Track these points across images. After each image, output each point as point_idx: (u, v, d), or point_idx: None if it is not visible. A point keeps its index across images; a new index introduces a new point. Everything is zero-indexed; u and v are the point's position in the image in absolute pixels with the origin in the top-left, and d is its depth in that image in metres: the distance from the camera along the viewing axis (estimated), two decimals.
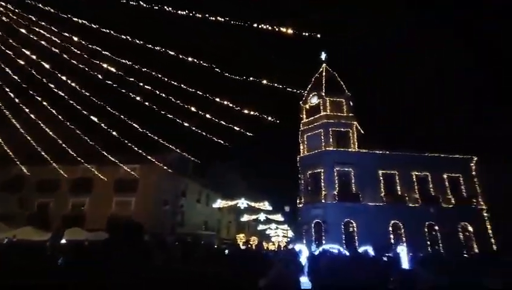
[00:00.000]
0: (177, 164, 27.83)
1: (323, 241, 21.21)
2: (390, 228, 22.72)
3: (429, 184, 24.38)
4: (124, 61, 14.68)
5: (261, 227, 36.37)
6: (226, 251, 13.76)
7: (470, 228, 23.16)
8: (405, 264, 10.10)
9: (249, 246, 24.52)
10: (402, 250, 11.94)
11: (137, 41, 13.67)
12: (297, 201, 25.74)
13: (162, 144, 18.48)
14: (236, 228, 39.04)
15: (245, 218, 30.28)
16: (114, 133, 18.71)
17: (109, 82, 15.55)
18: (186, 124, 17.08)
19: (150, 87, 15.69)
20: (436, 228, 22.85)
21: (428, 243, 22.35)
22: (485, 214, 23.53)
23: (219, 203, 26.68)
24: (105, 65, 14.81)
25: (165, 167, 23.80)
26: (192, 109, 16.32)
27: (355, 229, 22.56)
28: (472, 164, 25.12)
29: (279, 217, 31.20)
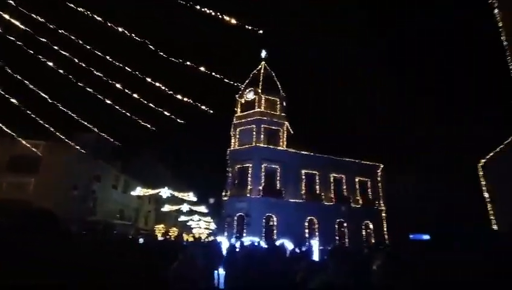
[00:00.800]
0: (94, 145, 24.91)
1: (244, 234, 21.61)
2: (306, 224, 24.42)
3: (343, 186, 27.00)
4: (35, 16, 12.29)
5: (183, 218, 35.30)
6: (141, 241, 12.81)
7: (371, 226, 26.48)
8: (316, 256, 10.87)
9: (168, 237, 23.47)
10: (315, 243, 12.80)
11: None
12: (223, 194, 25.68)
13: (77, 121, 16.21)
14: (156, 218, 37.15)
15: (166, 208, 28.96)
16: (13, 100, 15.64)
17: (12, 38, 12.87)
18: (108, 102, 15.28)
19: (67, 54, 13.51)
20: (345, 224, 25.44)
21: (337, 237, 24.71)
22: (383, 214, 27.21)
23: (139, 191, 24.85)
24: (7, 16, 12.14)
25: (77, 147, 21.00)
26: (118, 85, 14.67)
27: (275, 223, 23.58)
28: (378, 171, 28.71)
29: (203, 208, 30.72)
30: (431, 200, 29.19)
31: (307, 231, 24.08)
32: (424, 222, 27.14)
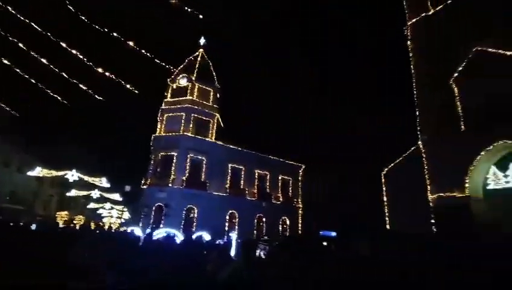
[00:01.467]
0: None
1: (162, 225, 20.48)
2: (227, 217, 24.51)
3: (267, 182, 27.95)
4: None
5: (92, 205, 31.74)
6: (33, 227, 10.91)
7: (288, 221, 28.09)
8: (233, 248, 10.85)
9: (72, 225, 20.76)
10: (234, 236, 12.80)
11: None
12: (143, 182, 23.91)
13: None
14: (60, 204, 32.54)
15: (73, 193, 25.58)
16: None
17: None
18: (6, 62, 12.61)
19: None
20: (264, 219, 26.39)
21: (255, 231, 25.46)
22: (300, 211, 29.17)
23: (38, 171, 21.33)
24: None
25: None
26: (21, 45, 12.20)
27: (195, 215, 22.99)
28: (300, 171, 30.62)
29: (116, 196, 28.15)
30: (343, 200, 32.44)
31: (227, 224, 24.17)
32: (334, 220, 30.00)
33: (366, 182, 24.17)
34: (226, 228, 23.59)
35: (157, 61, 11.84)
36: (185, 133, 24.49)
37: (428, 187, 15.87)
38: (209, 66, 29.62)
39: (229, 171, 25.90)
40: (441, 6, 17.81)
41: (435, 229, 15.15)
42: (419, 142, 17.21)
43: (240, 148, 26.84)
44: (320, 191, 32.96)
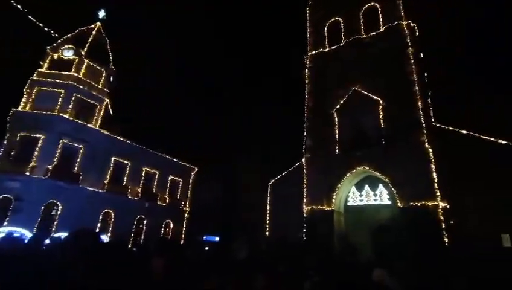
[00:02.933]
0: None
1: (6, 223, 16.18)
2: (101, 216, 21.44)
3: (154, 182, 25.99)
4: None
5: None
6: None
7: (171, 225, 26.69)
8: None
9: None
10: (105, 239, 11.12)
11: None
12: None
13: None
14: None
15: None
16: None
17: None
18: None
19: None
20: (145, 221, 24.29)
21: (133, 234, 23.11)
22: (186, 215, 28.20)
23: None
24: None
25: None
26: None
27: (59, 212, 19.16)
28: (192, 173, 29.81)
29: None
30: (231, 207, 33.17)
31: (99, 224, 21.07)
32: (219, 225, 30.30)
33: (255, 191, 25.51)
34: (98, 229, 20.49)
35: (33, 19, 9.59)
36: (61, 114, 20.46)
37: (305, 200, 17.83)
38: (105, 43, 26.08)
39: (112, 165, 22.91)
40: (333, 46, 20.81)
41: (304, 237, 17.06)
42: (303, 160, 19.29)
43: (128, 141, 24.18)
44: (210, 196, 32.88)
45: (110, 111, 25.56)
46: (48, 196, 18.69)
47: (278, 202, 20.33)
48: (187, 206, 28.66)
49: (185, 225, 27.74)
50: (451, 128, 16.62)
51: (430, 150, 14.80)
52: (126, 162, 23.83)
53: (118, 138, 23.55)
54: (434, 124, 17.54)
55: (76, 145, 20.77)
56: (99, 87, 24.16)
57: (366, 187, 16.97)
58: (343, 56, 19.83)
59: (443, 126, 17.08)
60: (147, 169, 25.45)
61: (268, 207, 20.49)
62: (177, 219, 27.13)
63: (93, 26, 26.45)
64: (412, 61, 17.02)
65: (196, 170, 30.03)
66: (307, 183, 18.14)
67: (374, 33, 18.95)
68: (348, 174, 16.82)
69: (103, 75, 24.81)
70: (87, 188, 20.79)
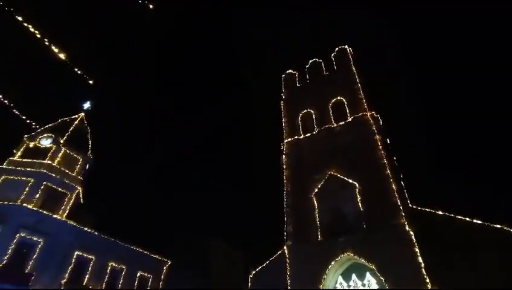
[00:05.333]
0: None
1: None
2: None
3: (120, 279, 22.99)
4: None
5: None
6: None
7: None
8: None
9: None
10: None
11: None
12: None
13: None
14: None
15: None
16: None
17: None
18: None
19: None
20: None
21: None
22: None
23: None
24: None
25: None
26: None
27: None
28: (165, 267, 26.90)
29: None
30: None
31: None
32: None
33: (235, 283, 23.00)
34: None
35: (16, 112, 9.83)
36: (24, 204, 19.02)
37: None
38: (86, 132, 26.47)
39: (73, 260, 20.37)
40: (307, 134, 22.25)
41: None
42: (285, 247, 18.21)
43: (95, 232, 22.19)
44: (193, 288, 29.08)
45: (81, 199, 24.19)
46: None
47: None
48: None
49: None
50: (427, 209, 16.85)
51: (411, 232, 14.60)
52: (90, 256, 21.36)
53: (85, 229, 21.66)
54: (411, 205, 17.81)
55: (35, 239, 18.71)
56: (73, 175, 23.43)
57: (353, 277, 15.78)
58: (317, 143, 21.07)
59: (420, 207, 17.34)
60: (113, 264, 22.76)
61: None
62: None
63: (76, 116, 27.26)
64: (381, 147, 18.25)
65: (169, 263, 27.22)
66: (290, 274, 16.72)
67: (343, 122, 20.71)
68: (332, 263, 15.80)
69: (79, 162, 24.38)
70: None
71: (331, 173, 18.72)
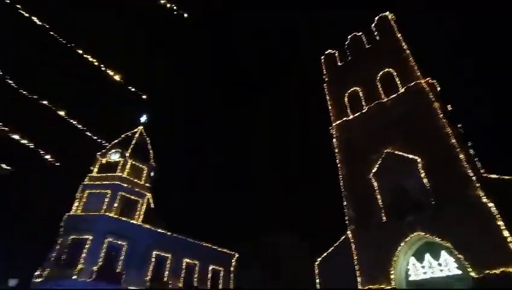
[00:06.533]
0: None
1: None
2: None
3: (195, 274, 24.91)
4: None
5: None
6: None
7: None
8: None
9: None
10: None
11: None
12: (37, 273, 19.14)
13: None
14: None
15: None
16: None
17: None
18: None
19: None
20: None
21: None
22: None
23: None
24: None
25: None
26: None
27: None
28: (233, 260, 28.40)
29: None
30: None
31: None
32: None
33: (302, 272, 23.37)
34: None
35: (89, 133, 11.11)
36: (107, 214, 21.63)
37: (359, 279, 15.85)
38: (146, 143, 28.84)
39: (153, 259, 22.66)
40: (357, 114, 21.32)
41: None
42: (348, 232, 17.89)
43: (169, 233, 24.32)
44: (254, 283, 30.45)
45: (152, 205, 26.63)
46: None
47: (328, 283, 18.15)
48: None
49: None
50: (506, 177, 14.97)
51: (490, 204, 13.20)
52: (167, 255, 23.52)
53: (159, 230, 23.87)
54: (485, 175, 16.04)
55: (120, 243, 21.22)
56: (141, 183, 25.84)
57: (427, 257, 14.87)
58: (368, 121, 20.09)
59: (497, 176, 15.49)
60: (188, 260, 24.76)
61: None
62: None
63: (136, 130, 29.91)
64: (441, 115, 16.72)
65: (237, 256, 28.66)
66: (357, 259, 16.42)
67: (395, 95, 19.39)
68: (402, 244, 15.11)
69: (144, 171, 26.77)
70: (129, 287, 20.31)
71: (388, 151, 17.76)
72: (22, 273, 19.42)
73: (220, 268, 27.01)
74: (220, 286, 26.33)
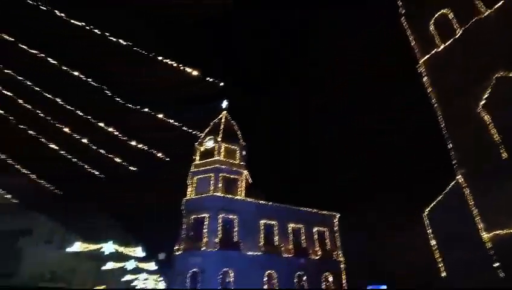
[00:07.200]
0: (27, 193, 22.09)
1: None
2: (266, 278, 23.07)
3: (302, 236, 26.62)
4: None
5: (127, 277, 31.26)
6: None
7: (330, 278, 25.83)
8: None
9: None
10: None
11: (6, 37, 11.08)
12: (176, 248, 23.63)
13: (7, 163, 14.52)
14: (97, 278, 32.43)
15: (109, 266, 25.56)
16: None
17: None
18: (52, 146, 14.07)
19: (10, 93, 12.53)
20: (304, 278, 24.50)
21: None
22: (342, 266, 26.89)
23: (77, 246, 21.84)
24: None
25: (6, 195, 18.45)
26: (66, 129, 13.72)
27: (232, 279, 21.89)
28: (335, 220, 29.09)
29: (152, 265, 27.69)
30: (384, 248, 29.81)
31: (266, 286, 22.64)
32: (379, 271, 27.28)
33: (407, 225, 22.44)
34: None
35: (185, 128, 12.77)
36: (215, 194, 24.73)
37: (480, 225, 14.38)
38: (233, 126, 31.05)
39: (262, 228, 25.16)
40: (450, 40, 18.23)
41: (501, 274, 13.31)
42: (458, 177, 16.15)
43: (270, 203, 26.41)
44: (358, 241, 30.68)
45: (249, 179, 29.10)
46: (221, 265, 21.87)
47: (441, 234, 17.02)
48: (339, 256, 27.45)
49: (344, 276, 26.32)
50: None
51: None
52: (273, 222, 25.71)
53: (261, 202, 26.13)
54: None
55: (231, 217, 24.18)
56: (237, 162, 28.34)
57: None
58: (466, 46, 17.02)
59: None
60: (293, 225, 26.55)
61: (433, 242, 17.37)
62: (334, 271, 26.20)
63: (221, 116, 32.46)
64: None
65: (338, 216, 29.23)
66: (475, 203, 14.84)
67: (496, 6, 15.75)
68: None
69: (237, 151, 29.19)
70: (248, 253, 23.24)
71: (498, 76, 14.87)
72: (167, 249, 24.45)
73: (324, 229, 28.10)
74: (328, 245, 27.51)
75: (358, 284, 24.04)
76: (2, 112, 12.38)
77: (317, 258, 26.12)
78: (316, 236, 27.32)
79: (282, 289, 23.03)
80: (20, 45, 11.17)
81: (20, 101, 12.34)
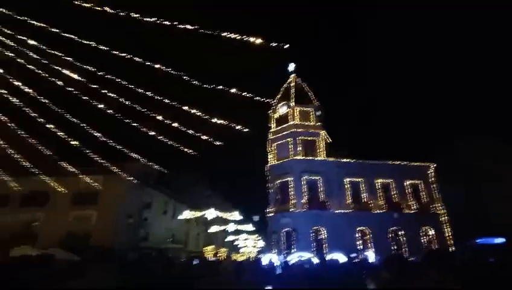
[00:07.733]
0: (142, 174, 26.59)
1: (294, 250, 21.15)
2: (358, 234, 23.22)
3: (392, 191, 25.41)
4: (86, 67, 13.84)
5: (230, 238, 35.58)
6: (195, 262, 13.12)
7: (431, 232, 24.36)
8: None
9: (219, 257, 23.74)
10: (370, 255, 12.16)
11: (102, 47, 12.96)
12: (267, 210, 25.54)
13: (126, 154, 17.64)
14: (205, 240, 37.87)
15: (213, 229, 29.46)
16: (74, 142, 17.61)
17: (70, 89, 14.58)
18: (151, 133, 16.39)
19: (113, 95, 14.88)
20: (400, 233, 23.73)
21: (394, 247, 23.07)
22: (443, 218, 24.89)
23: (186, 214, 25.68)
24: (66, 71, 13.86)
25: (130, 178, 22.62)
26: (159, 117, 15.69)
27: (324, 236, 22.77)
28: (430, 171, 26.64)
29: (249, 227, 30.75)
30: (496, 199, 26.28)
31: (359, 242, 22.87)
32: (492, 223, 24.47)
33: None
34: (360, 247, 22.33)
35: (258, 98, 13.20)
36: (295, 157, 25.28)
37: None
38: (303, 88, 30.40)
39: (347, 186, 24.90)
40: None
41: None
42: None
43: (353, 160, 25.70)
44: (463, 192, 27.61)
45: (328, 139, 28.60)
46: (311, 224, 22.85)
47: None
48: (439, 208, 25.34)
49: (446, 230, 24.44)
50: None
51: None
52: (359, 179, 25.11)
53: (344, 160, 25.63)
54: None
55: (314, 178, 24.55)
56: (312, 124, 28.00)
57: None
58: None
59: None
60: (381, 180, 25.46)
61: None
62: (434, 225, 24.50)
63: (290, 80, 31.95)
64: None
65: (434, 166, 26.60)
66: None
67: None
68: None
69: (311, 113, 28.71)
70: (336, 211, 23.55)
71: None
72: (260, 212, 26.64)
73: (418, 181, 26.14)
74: (424, 198, 25.67)
75: (465, 238, 22.04)
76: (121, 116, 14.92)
77: (412, 212, 24.77)
78: (409, 190, 25.71)
79: None
80: (113, 51, 12.95)
81: (121, 99, 14.51)
